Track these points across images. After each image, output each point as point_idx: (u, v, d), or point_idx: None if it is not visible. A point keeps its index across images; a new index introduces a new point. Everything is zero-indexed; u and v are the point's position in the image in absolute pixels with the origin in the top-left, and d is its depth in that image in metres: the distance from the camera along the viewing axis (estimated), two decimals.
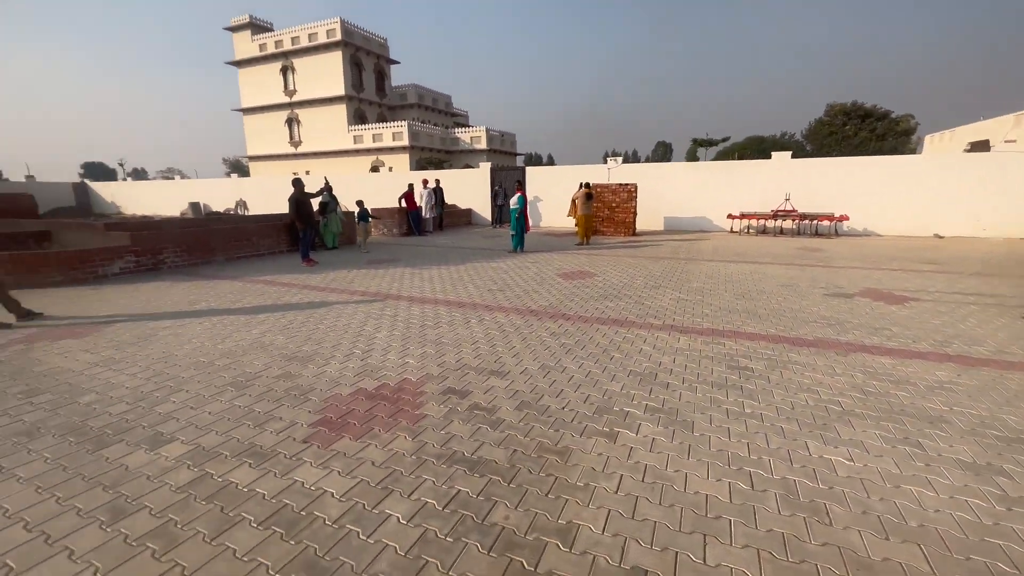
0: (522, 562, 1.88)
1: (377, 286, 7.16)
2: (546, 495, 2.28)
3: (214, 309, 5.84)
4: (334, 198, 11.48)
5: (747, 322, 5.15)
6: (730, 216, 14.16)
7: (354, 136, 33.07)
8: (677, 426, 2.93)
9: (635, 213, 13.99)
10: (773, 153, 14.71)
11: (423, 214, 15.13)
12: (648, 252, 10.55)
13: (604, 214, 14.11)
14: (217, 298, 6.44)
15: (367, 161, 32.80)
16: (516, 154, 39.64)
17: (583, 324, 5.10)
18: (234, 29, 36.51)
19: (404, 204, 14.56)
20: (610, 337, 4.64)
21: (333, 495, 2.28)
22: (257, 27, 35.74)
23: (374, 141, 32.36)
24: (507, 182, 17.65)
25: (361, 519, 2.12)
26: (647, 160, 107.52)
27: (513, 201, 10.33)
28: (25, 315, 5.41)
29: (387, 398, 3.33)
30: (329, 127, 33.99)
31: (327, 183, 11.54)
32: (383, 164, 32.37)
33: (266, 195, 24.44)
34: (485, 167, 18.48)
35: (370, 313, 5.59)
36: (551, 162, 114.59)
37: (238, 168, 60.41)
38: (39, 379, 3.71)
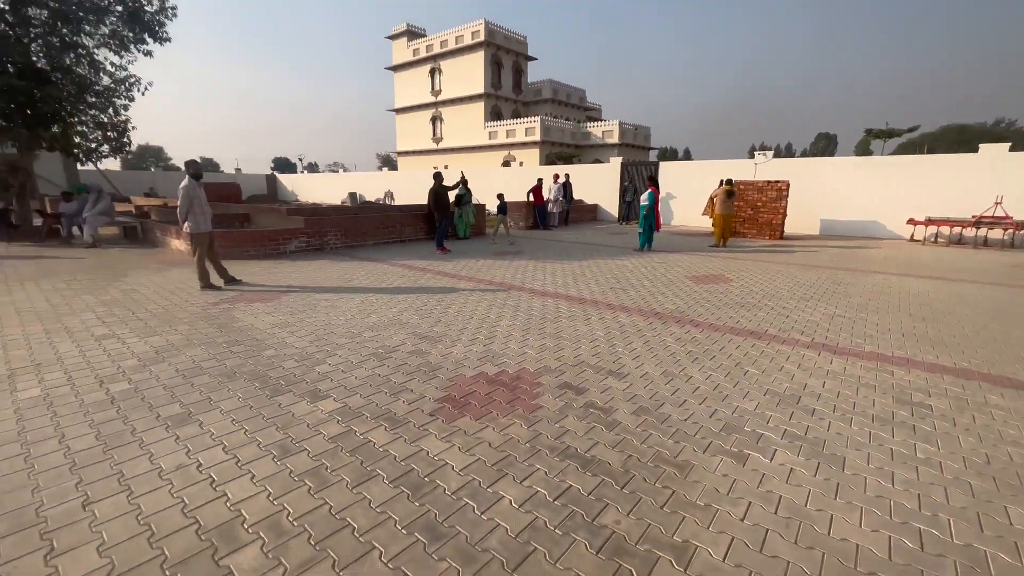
0: (631, 571, 1.82)
1: (502, 276, 7.45)
2: (661, 507, 2.17)
3: (364, 287, 6.63)
4: (469, 191, 12.19)
5: (927, 350, 4.27)
6: (912, 221, 11.84)
7: (489, 132, 34.70)
8: (823, 459, 2.56)
9: (784, 214, 12.46)
10: (981, 146, 11.89)
11: (550, 208, 15.33)
12: (798, 258, 9.33)
13: (746, 214, 12.82)
14: (366, 277, 7.30)
15: (500, 156, 34.20)
16: (649, 148, 37.94)
17: (714, 332, 4.71)
18: (393, 37, 40.69)
19: (532, 198, 14.89)
20: (745, 350, 4.22)
21: (453, 468, 2.44)
22: (413, 34, 39.37)
23: (507, 137, 33.59)
24: (638, 177, 16.99)
25: (476, 495, 2.24)
26: (804, 155, 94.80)
27: (643, 197, 9.91)
28: (230, 280, 6.73)
29: (506, 385, 3.45)
30: (467, 124, 36.14)
31: (463, 177, 12.30)
32: (514, 159, 33.45)
33: (409, 187, 26.93)
34: (615, 162, 18.02)
35: (494, 302, 5.84)
36: (687, 157, 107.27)
37: (388, 162, 67.42)
38: (237, 333, 4.59)
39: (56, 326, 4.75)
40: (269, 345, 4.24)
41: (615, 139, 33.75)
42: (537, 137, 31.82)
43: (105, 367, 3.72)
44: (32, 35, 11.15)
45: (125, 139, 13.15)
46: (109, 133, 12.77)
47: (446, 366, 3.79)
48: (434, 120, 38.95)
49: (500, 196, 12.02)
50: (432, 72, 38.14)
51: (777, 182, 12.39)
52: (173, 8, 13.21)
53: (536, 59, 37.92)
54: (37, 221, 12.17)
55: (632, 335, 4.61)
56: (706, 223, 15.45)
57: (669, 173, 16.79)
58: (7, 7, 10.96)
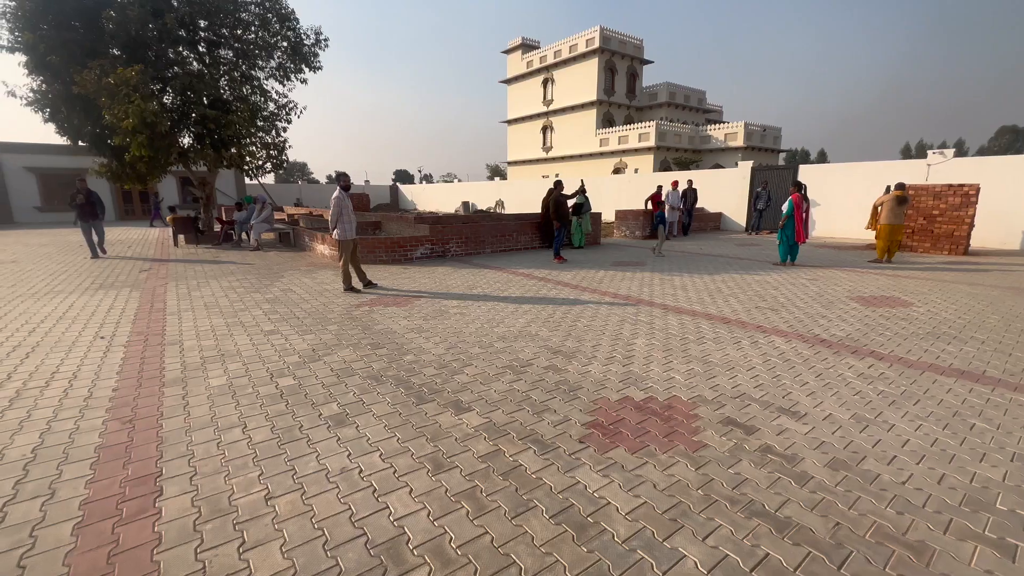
0: None
1: (627, 289, 7.05)
2: None
3: (488, 295, 6.68)
4: (587, 200, 11.94)
5: None
6: None
7: (600, 139, 34.11)
8: None
9: (971, 224, 10.27)
10: None
11: (669, 217, 14.45)
12: (997, 279, 7.56)
13: (917, 224, 10.82)
14: (489, 285, 7.37)
15: (611, 163, 33.44)
16: (779, 151, 34.36)
17: (907, 369, 3.87)
18: (508, 51, 42.05)
19: (650, 206, 14.16)
20: (962, 396, 3.37)
21: (618, 510, 2.17)
22: (527, 47, 40.32)
23: (619, 143, 32.73)
24: (772, 183, 15.34)
25: (652, 548, 1.94)
26: (982, 153, 79.06)
27: (785, 206, 8.79)
28: (368, 284, 7.22)
29: (657, 414, 3.11)
30: (578, 132, 35.93)
31: (582, 185, 12.09)
32: (625, 166, 32.46)
33: (520, 195, 27.42)
34: (744, 166, 16.48)
35: (624, 317, 5.49)
36: (822, 159, 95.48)
37: (497, 172, 69.77)
38: (379, 335, 4.82)
39: (234, 320, 5.41)
40: (408, 350, 4.37)
41: (739, 142, 31.10)
42: (651, 143, 30.51)
43: (273, 361, 4.08)
44: (220, 72, 13.29)
45: (284, 156, 15.09)
46: (271, 152, 14.70)
47: (586, 386, 3.55)
48: (545, 129, 39.37)
49: (659, 203, 12.22)
50: (545, 82, 38.64)
51: (963, 186, 10.26)
52: (326, 40, 14.90)
53: (652, 62, 36.53)
54: (216, 227, 14.43)
55: (798, 365, 3.96)
56: (854, 235, 13.40)
57: (810, 178, 14.88)
58: (205, 51, 13.22)
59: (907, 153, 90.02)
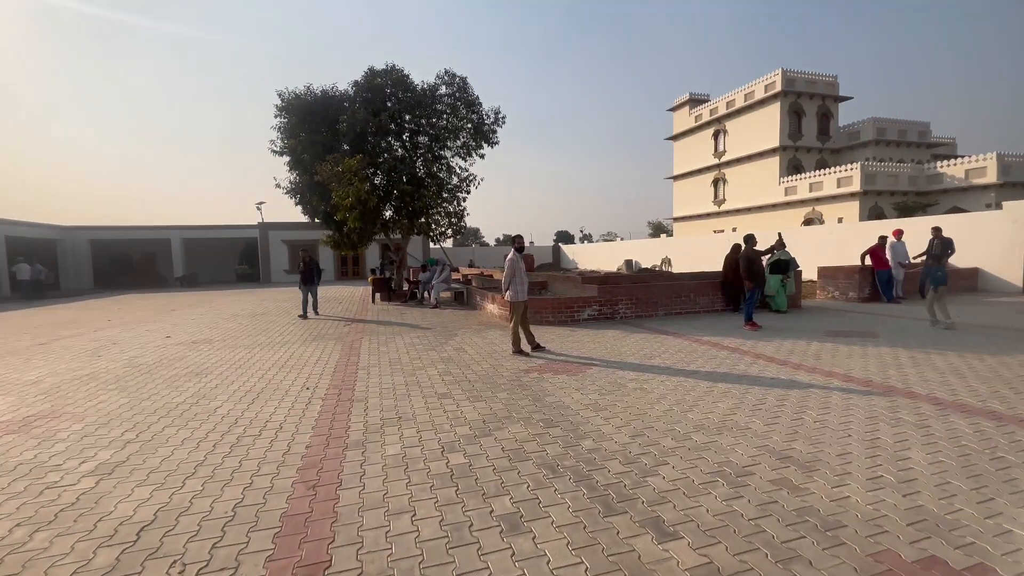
0: None
1: (862, 370, 5.38)
2: None
3: (670, 368, 5.75)
4: (792, 256, 10.20)
5: None
6: None
7: (785, 188, 30.29)
8: None
9: None
10: None
11: (895, 275, 11.47)
12: None
13: None
14: (668, 355, 6.42)
15: (800, 214, 29.24)
16: None
17: None
18: (675, 108, 41.38)
19: (869, 261, 11.48)
20: None
21: None
22: (696, 102, 39.13)
23: (811, 191, 28.53)
24: None
25: None
26: None
27: None
28: (536, 347, 6.94)
29: None
30: (757, 182, 32.63)
31: (781, 239, 10.42)
32: (820, 216, 27.99)
33: (688, 252, 25.51)
34: (1014, 207, 12.48)
35: (874, 412, 4.03)
36: None
37: (660, 229, 67.49)
38: (551, 410, 4.33)
39: (412, 379, 5.54)
40: (585, 433, 3.75)
41: (990, 178, 24.24)
42: (856, 187, 25.81)
43: (445, 431, 3.87)
44: (418, 155, 15.49)
45: (463, 223, 16.59)
46: (452, 219, 16.28)
47: (851, 524, 2.43)
48: (716, 182, 36.81)
49: (937, 258, 8.63)
50: (716, 134, 36.60)
51: None
52: (503, 117, 16.35)
53: (851, 98, 31.78)
54: (405, 286, 16.30)
55: None
56: None
57: None
58: (408, 139, 15.62)
59: None
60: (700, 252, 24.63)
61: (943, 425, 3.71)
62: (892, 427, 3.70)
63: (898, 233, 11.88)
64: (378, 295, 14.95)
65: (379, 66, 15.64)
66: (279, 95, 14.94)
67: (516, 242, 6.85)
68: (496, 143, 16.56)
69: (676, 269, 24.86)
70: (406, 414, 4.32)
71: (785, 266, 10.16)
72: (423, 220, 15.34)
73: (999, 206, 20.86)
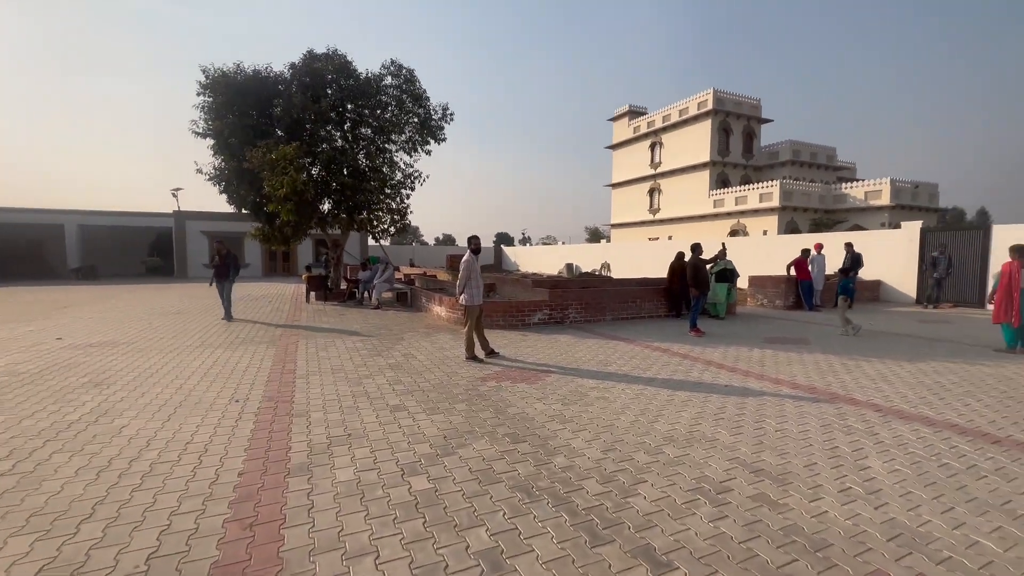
0: None
1: (805, 376, 5.64)
2: None
3: (628, 375, 5.71)
4: (734, 266, 10.69)
5: None
6: None
7: (714, 200, 32.29)
8: None
9: None
10: None
11: (816, 285, 12.45)
12: None
13: None
14: (623, 361, 6.41)
15: (726, 225, 31.26)
16: (936, 210, 29.62)
17: None
18: (615, 119, 42.85)
19: (793, 272, 12.35)
20: None
21: None
22: (634, 113, 40.76)
23: (736, 204, 30.62)
24: (953, 247, 12.69)
25: None
26: None
27: (1017, 276, 6.79)
28: (490, 353, 6.67)
29: None
30: (689, 194, 34.52)
31: (724, 249, 10.90)
32: (744, 227, 30.09)
33: (626, 258, 26.38)
34: (911, 227, 13.99)
35: (826, 420, 4.17)
36: (983, 218, 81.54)
37: (596, 235, 69.61)
38: (515, 423, 4.08)
39: (359, 389, 5.06)
40: (555, 448, 3.54)
41: (884, 200, 27.30)
42: (775, 203, 28.04)
43: (403, 450, 3.50)
44: (360, 147, 14.66)
45: (406, 220, 15.94)
46: (395, 216, 15.57)
47: (836, 542, 2.40)
48: (652, 192, 38.52)
49: (846, 272, 9.23)
50: (652, 146, 38.31)
51: None
52: (452, 114, 15.92)
53: (771, 121, 34.57)
54: (342, 285, 15.36)
55: None
56: None
57: (1009, 241, 12.05)
58: (349, 129, 14.74)
59: None
60: (637, 258, 25.56)
61: (888, 432, 3.90)
62: (846, 435, 3.83)
63: (819, 247, 12.90)
64: (313, 294, 13.96)
65: (319, 49, 14.67)
66: (203, 71, 13.52)
67: (472, 243, 6.54)
68: (444, 139, 16.10)
69: (615, 274, 25.60)
70: (356, 430, 3.89)
71: (731, 275, 10.65)
72: (365, 216, 14.53)
73: (894, 225, 23.36)
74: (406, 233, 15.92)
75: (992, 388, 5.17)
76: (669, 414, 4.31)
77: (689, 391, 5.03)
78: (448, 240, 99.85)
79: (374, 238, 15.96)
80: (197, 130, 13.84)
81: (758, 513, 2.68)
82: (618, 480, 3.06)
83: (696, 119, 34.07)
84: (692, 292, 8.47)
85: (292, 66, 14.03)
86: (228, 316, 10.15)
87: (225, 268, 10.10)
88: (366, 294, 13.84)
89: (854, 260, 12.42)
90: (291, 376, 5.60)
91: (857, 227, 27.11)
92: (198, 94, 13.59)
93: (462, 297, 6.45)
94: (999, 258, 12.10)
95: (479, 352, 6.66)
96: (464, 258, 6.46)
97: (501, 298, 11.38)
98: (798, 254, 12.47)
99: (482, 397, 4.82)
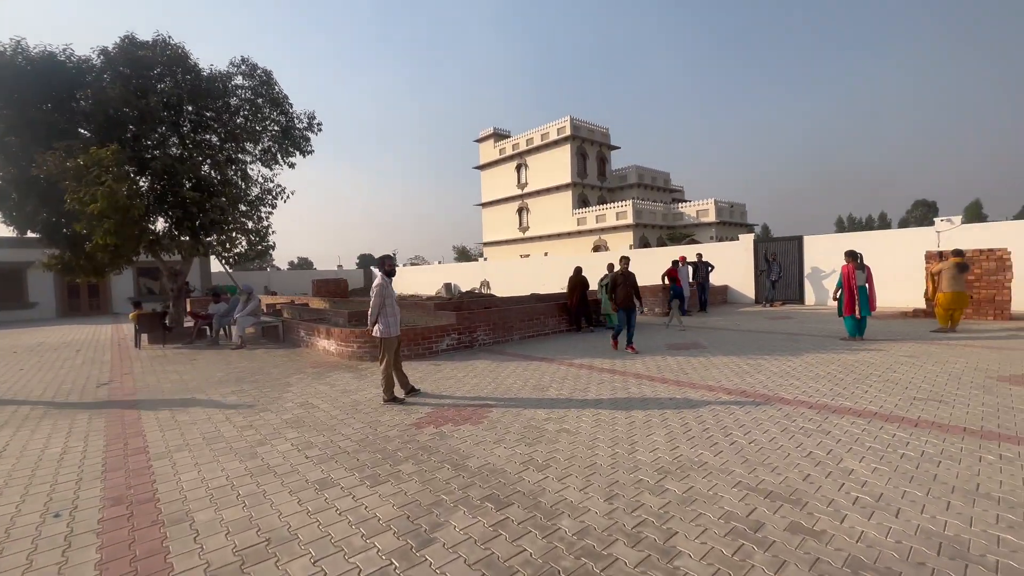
0: None
1: (728, 380, 5.89)
2: None
3: (571, 399, 5.33)
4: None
5: None
6: None
7: (578, 219, 34.79)
8: None
9: (1009, 288, 10.05)
10: None
11: (685, 291, 13.83)
12: None
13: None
14: (557, 384, 6.04)
15: (589, 241, 33.83)
16: (746, 225, 36.07)
17: None
18: (481, 140, 43.86)
19: (667, 281, 13.55)
20: None
21: None
22: (499, 136, 42.23)
23: (597, 222, 33.39)
24: (782, 254, 15.23)
25: None
26: (904, 225, 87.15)
27: (856, 277, 8.17)
28: (411, 391, 5.74)
29: None
30: (555, 212, 36.67)
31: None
32: (605, 244, 32.87)
33: (504, 275, 26.74)
34: (746, 239, 16.51)
35: (781, 424, 4.26)
36: (766, 233, 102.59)
37: (464, 255, 70.16)
38: (485, 479, 3.34)
39: (257, 464, 3.78)
40: (552, 508, 2.93)
41: (711, 217, 32.38)
42: (629, 220, 31.24)
43: (359, 550, 2.53)
44: (204, 155, 12.23)
45: (268, 242, 13.73)
46: (252, 237, 13.31)
47: (902, 569, 2.22)
48: (520, 211, 40.06)
49: (670, 276, 11.17)
50: (518, 167, 39.98)
51: (994, 250, 10.18)
52: (319, 124, 14.31)
53: (619, 148, 38.80)
54: (188, 322, 12.53)
55: None
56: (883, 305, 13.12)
57: (818, 249, 14.91)
58: (189, 132, 12.21)
59: (840, 226, 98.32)
60: (513, 275, 26.06)
61: (841, 431, 4.10)
62: (807, 437, 3.92)
63: (683, 259, 14.41)
64: (145, 336, 11.03)
65: (142, 36, 11.98)
66: None
67: (385, 264, 5.59)
68: (310, 151, 14.39)
69: (496, 292, 25.69)
70: (276, 531, 2.77)
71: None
72: (213, 237, 12.08)
73: (730, 238, 27.41)
74: (266, 257, 13.65)
75: (865, 374, 5.96)
76: (641, 440, 3.99)
77: (641, 409, 4.83)
78: (304, 263, 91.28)
79: (227, 264, 13.41)
80: None
81: (808, 548, 2.41)
82: (647, 538, 2.57)
83: (556, 143, 36.56)
84: (638, 304, 8.14)
85: (103, 52, 11.16)
86: None
87: None
88: (222, 331, 11.42)
89: (697, 270, 14.25)
90: (143, 458, 4.00)
91: (692, 240, 31.55)
92: None
93: (376, 328, 5.44)
94: (812, 262, 14.87)
95: (399, 392, 5.68)
96: (376, 282, 5.47)
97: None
98: (667, 265, 13.77)
99: (427, 450, 3.96)
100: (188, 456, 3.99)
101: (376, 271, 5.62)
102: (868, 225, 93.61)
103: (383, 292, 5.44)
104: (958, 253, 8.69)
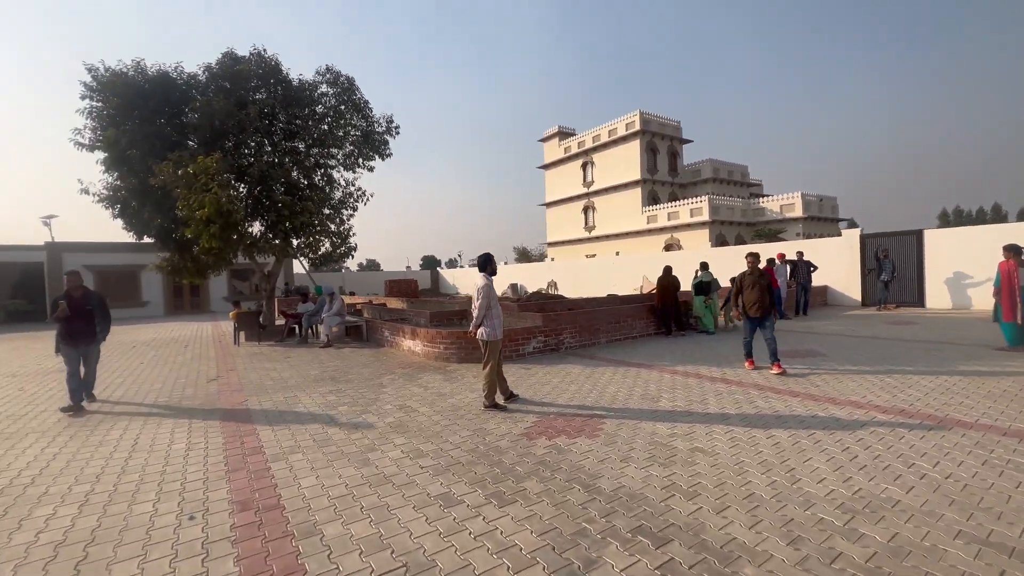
0: None
1: (872, 395, 5.06)
2: None
3: (691, 412, 4.78)
4: (714, 278, 10.35)
5: None
6: None
7: (647, 216, 33.43)
8: None
9: None
10: None
11: (782, 293, 12.61)
12: None
13: None
14: (668, 394, 5.49)
15: (660, 240, 32.40)
16: (838, 220, 32.96)
17: None
18: (545, 139, 43.48)
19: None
20: None
21: None
22: (564, 134, 41.63)
23: (669, 219, 31.89)
24: (895, 252, 13.52)
25: None
26: (1019, 218, 76.10)
27: (1022, 276, 6.90)
28: (510, 396, 5.44)
29: None
30: (623, 210, 35.51)
31: (703, 263, 10.57)
32: (677, 242, 31.32)
33: (572, 275, 26.14)
34: (850, 234, 14.89)
35: (984, 457, 3.48)
36: (852, 227, 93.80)
37: (525, 255, 69.96)
38: (625, 505, 2.93)
39: (372, 472, 3.61)
40: (723, 548, 2.45)
41: (797, 212, 29.83)
42: (705, 217, 29.51)
43: None
44: (295, 160, 12.79)
45: (350, 244, 14.13)
46: (334, 240, 13.73)
47: None
48: (586, 210, 39.23)
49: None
50: (584, 165, 39.18)
51: None
52: (397, 127, 14.56)
53: (692, 141, 36.89)
54: (279, 321, 13.18)
55: None
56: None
57: (939, 245, 13.09)
58: (281, 139, 12.82)
59: (945, 220, 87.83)
60: (579, 275, 25.41)
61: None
62: (1019, 473, 3.14)
63: (781, 256, 13.17)
64: (243, 334, 11.69)
65: (239, 51, 12.73)
66: (89, 70, 11.06)
67: (489, 265, 5.33)
68: (389, 155, 14.66)
69: (563, 292, 25.17)
70: (410, 553, 2.51)
71: (707, 287, 10.29)
72: (303, 240, 12.59)
73: (817, 235, 25.20)
74: (348, 258, 14.06)
75: None
76: (799, 467, 3.40)
77: (782, 428, 4.19)
78: (372, 265, 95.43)
79: (312, 266, 13.99)
80: (82, 140, 11.25)
81: None
82: None
83: (625, 139, 35.38)
84: (770, 309, 6.55)
85: (207, 68, 11.97)
86: (78, 400, 5.69)
87: (80, 321, 5.79)
88: (310, 330, 11.87)
89: (796, 269, 12.93)
90: (261, 459, 3.97)
91: (779, 238, 29.22)
92: (83, 97, 11.08)
93: (481, 330, 5.19)
94: (933, 260, 13.09)
95: (499, 398, 5.40)
96: (481, 283, 5.23)
97: None
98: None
99: (547, 465, 3.61)
100: (303, 460, 3.91)
101: (478, 273, 5.35)
102: (980, 218, 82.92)
103: (489, 293, 5.18)
104: None
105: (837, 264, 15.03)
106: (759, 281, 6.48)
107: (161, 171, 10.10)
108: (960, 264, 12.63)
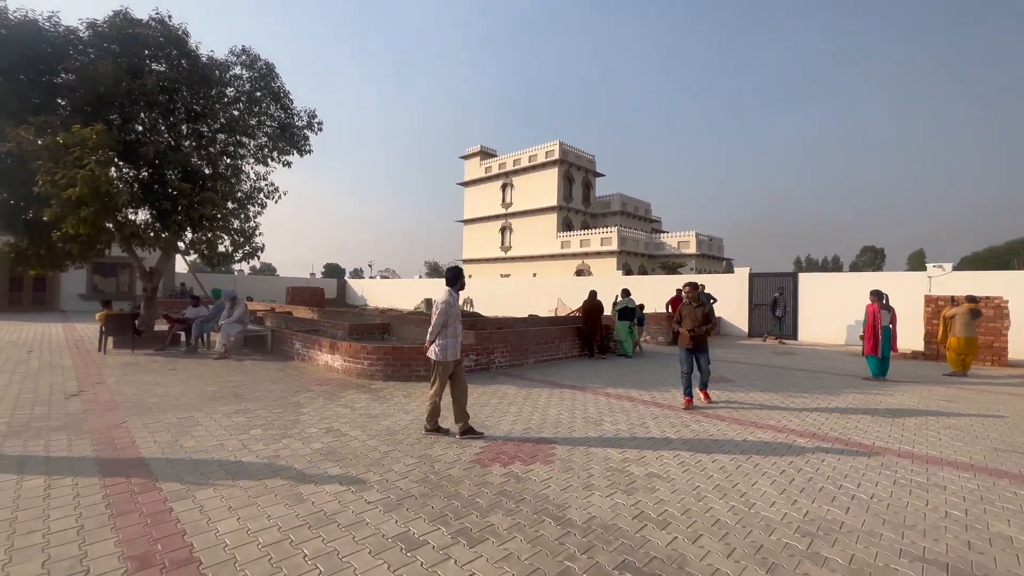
0: None
1: (792, 422, 5.56)
2: None
3: (636, 438, 4.86)
4: (637, 305, 10.88)
5: None
6: None
7: (562, 242, 34.82)
8: None
9: (1006, 335, 10.38)
10: None
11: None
12: None
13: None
14: (609, 417, 5.56)
15: (572, 265, 33.84)
16: (723, 259, 37.09)
17: None
18: (467, 157, 43.70)
19: (671, 310, 13.39)
20: None
21: None
22: (486, 154, 42.18)
23: (581, 246, 33.50)
24: (787, 289, 15.39)
25: None
26: (854, 268, 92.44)
27: (882, 317, 8.15)
28: (467, 431, 5.08)
29: None
30: (539, 234, 36.63)
31: (624, 289, 11.07)
32: (588, 268, 32.94)
33: (488, 293, 26.18)
34: (741, 272, 16.72)
35: (893, 478, 3.92)
36: (729, 270, 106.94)
37: (436, 270, 68.97)
38: (600, 538, 2.80)
39: (311, 510, 3.09)
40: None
41: (691, 249, 33.10)
42: (614, 247, 31.48)
43: None
44: (197, 145, 11.30)
45: (254, 243, 12.73)
46: (236, 238, 12.31)
47: None
48: (503, 230, 39.84)
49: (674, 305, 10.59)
50: (504, 187, 39.92)
51: (991, 298, 10.52)
52: (320, 123, 13.59)
53: (604, 175, 39.44)
54: (160, 326, 11.34)
55: None
56: (835, 341, 13.40)
57: (809, 286, 15.21)
58: (183, 119, 11.26)
59: (799, 266, 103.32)
60: (496, 294, 25.57)
61: (953, 484, 3.79)
62: (927, 492, 3.57)
63: (688, 288, 14.32)
64: (111, 339, 9.81)
65: (137, 13, 11.06)
66: None
67: (459, 280, 4.95)
68: (309, 151, 13.60)
69: (479, 310, 25.04)
70: None
71: (631, 313, 10.81)
72: (202, 234, 11.04)
73: (706, 271, 27.83)
74: (255, 259, 12.61)
75: (927, 423, 5.79)
76: (749, 491, 3.54)
77: (723, 453, 4.40)
78: (268, 269, 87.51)
79: (208, 264, 12.34)
80: None
81: None
82: None
83: (544, 166, 36.78)
84: (703, 338, 6.53)
85: (92, 25, 10.19)
86: None
87: None
88: (200, 339, 10.34)
89: (708, 300, 14.21)
90: (158, 497, 3.22)
91: (679, 272, 32.05)
92: None
93: (433, 348, 4.80)
94: (804, 299, 15.12)
95: (442, 421, 5.02)
96: (442, 298, 4.83)
97: (400, 341, 9.55)
98: (664, 295, 13.65)
99: (509, 496, 3.37)
100: (215, 497, 3.24)
101: (444, 288, 4.96)
102: (824, 267, 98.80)
103: (448, 310, 4.81)
104: (972, 299, 8.88)
105: (729, 298, 16.76)
106: (695, 312, 6.67)
107: (16, 137, 8.27)
108: (824, 303, 14.76)
